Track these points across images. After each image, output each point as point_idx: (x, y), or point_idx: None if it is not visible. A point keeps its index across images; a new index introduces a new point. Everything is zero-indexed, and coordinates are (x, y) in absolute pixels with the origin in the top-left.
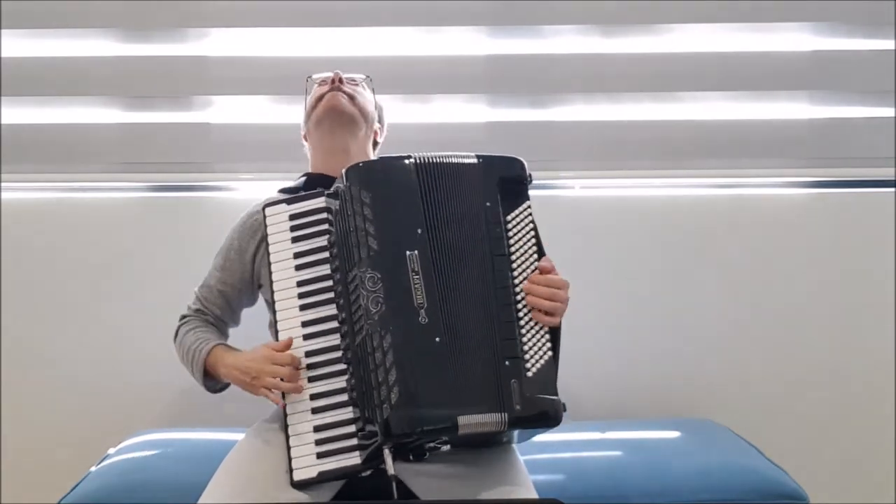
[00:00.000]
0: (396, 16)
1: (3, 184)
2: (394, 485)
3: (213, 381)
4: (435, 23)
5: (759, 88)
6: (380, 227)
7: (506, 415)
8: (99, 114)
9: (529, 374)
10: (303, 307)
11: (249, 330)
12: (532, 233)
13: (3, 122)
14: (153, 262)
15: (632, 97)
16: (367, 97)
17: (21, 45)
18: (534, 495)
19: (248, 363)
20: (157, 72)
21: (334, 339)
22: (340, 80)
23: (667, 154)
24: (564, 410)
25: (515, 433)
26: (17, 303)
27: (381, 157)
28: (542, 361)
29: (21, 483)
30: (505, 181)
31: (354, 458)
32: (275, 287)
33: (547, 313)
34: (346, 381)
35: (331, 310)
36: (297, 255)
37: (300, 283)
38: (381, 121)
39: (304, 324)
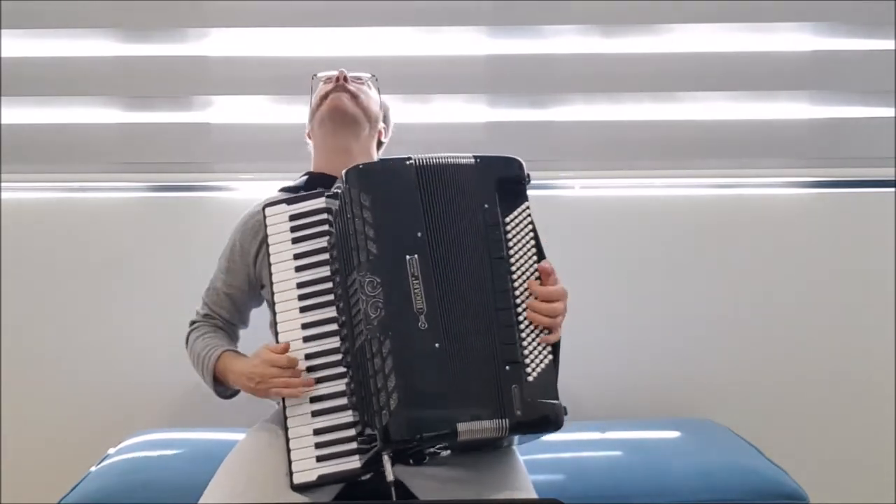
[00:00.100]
0: (396, 16)
1: (3, 184)
2: (392, 490)
3: (224, 387)
4: (435, 23)
5: (759, 88)
6: (379, 230)
7: (507, 420)
8: (99, 114)
9: (530, 378)
10: (303, 309)
11: (251, 329)
12: (531, 234)
13: (3, 122)
14: (153, 262)
15: (632, 97)
16: (371, 96)
17: (21, 45)
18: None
19: (252, 369)
20: (157, 72)
21: (334, 342)
22: (345, 79)
23: (667, 154)
24: (566, 414)
25: (516, 437)
26: (17, 303)
27: (380, 159)
28: (542, 365)
29: (21, 483)
30: (503, 182)
31: (354, 463)
32: (275, 288)
33: (546, 328)
34: (346, 384)
35: (331, 312)
36: (297, 256)
37: (300, 285)
38: (386, 120)
39: (305, 326)
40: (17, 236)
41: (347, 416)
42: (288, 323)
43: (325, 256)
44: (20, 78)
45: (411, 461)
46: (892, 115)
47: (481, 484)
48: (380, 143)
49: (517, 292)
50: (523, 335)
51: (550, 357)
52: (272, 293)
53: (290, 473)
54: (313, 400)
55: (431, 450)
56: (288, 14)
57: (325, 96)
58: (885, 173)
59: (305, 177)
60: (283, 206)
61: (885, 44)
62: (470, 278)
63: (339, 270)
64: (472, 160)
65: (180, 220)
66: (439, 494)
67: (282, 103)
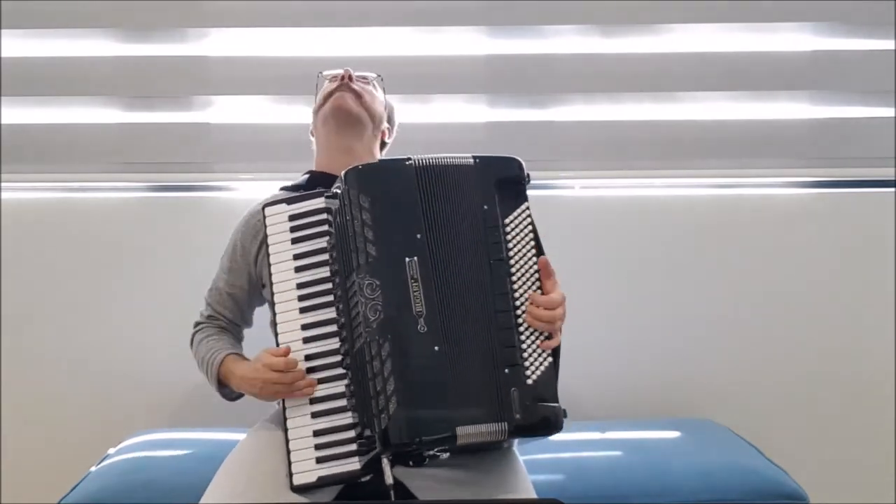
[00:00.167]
0: (396, 16)
1: (3, 184)
2: (392, 493)
3: (228, 389)
4: (435, 23)
5: (759, 88)
6: (379, 232)
7: (506, 424)
8: (99, 114)
9: (529, 381)
10: (303, 310)
11: (256, 328)
12: (531, 235)
13: (3, 122)
14: (153, 262)
15: (632, 97)
16: (376, 96)
17: (21, 45)
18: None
19: (253, 374)
20: (157, 72)
21: (334, 343)
22: (350, 78)
23: (667, 154)
24: (565, 416)
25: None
26: (17, 303)
27: (380, 161)
28: (542, 368)
29: (21, 483)
30: (502, 182)
31: (354, 464)
32: (275, 289)
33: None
34: (346, 386)
35: (331, 313)
36: (296, 257)
37: (300, 285)
38: (390, 121)
39: (304, 326)
40: (17, 236)
41: (347, 418)
42: (288, 324)
43: (325, 257)
44: (20, 78)
45: (411, 463)
46: (892, 115)
47: (481, 485)
48: (383, 144)
49: (517, 294)
50: (522, 338)
51: (550, 360)
52: (272, 293)
53: (290, 474)
54: (313, 401)
55: (431, 452)
56: (288, 14)
57: (329, 94)
58: (885, 173)
59: (307, 175)
60: (283, 206)
61: (885, 44)
62: (469, 281)
63: (338, 272)
64: (472, 161)
65: (180, 220)
66: (439, 495)
67: (282, 103)
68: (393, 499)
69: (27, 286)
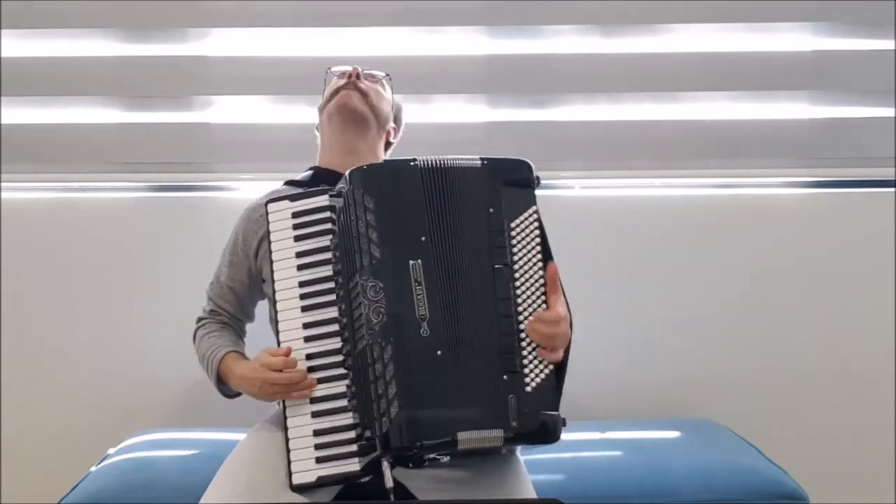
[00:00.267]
0: (397, 16)
1: (3, 184)
2: (391, 495)
3: (228, 386)
4: (435, 23)
5: (759, 88)
6: (383, 234)
7: (502, 431)
8: (99, 114)
9: (528, 388)
10: (304, 308)
11: (257, 323)
12: (537, 239)
13: (3, 122)
14: (153, 262)
15: (632, 97)
16: (383, 96)
17: (21, 45)
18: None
19: (252, 374)
20: (157, 72)
21: (335, 343)
22: (358, 76)
23: (667, 154)
24: (564, 426)
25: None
26: (17, 303)
27: (385, 161)
28: (541, 376)
29: (21, 483)
30: (510, 185)
31: (353, 465)
32: (276, 287)
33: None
34: (347, 387)
35: (333, 312)
36: (299, 255)
37: (302, 284)
38: (397, 121)
39: (306, 325)
40: (17, 236)
41: (347, 418)
42: (289, 322)
43: (328, 255)
44: (20, 78)
45: (411, 465)
46: (892, 115)
47: (481, 485)
48: (388, 144)
49: (519, 300)
50: (523, 344)
51: (551, 368)
52: (273, 291)
53: (290, 474)
54: (313, 401)
55: (431, 456)
56: (288, 14)
57: (335, 92)
58: (885, 173)
59: (311, 171)
60: (286, 203)
61: (885, 44)
62: (473, 285)
63: (341, 272)
64: (479, 162)
65: (180, 220)
66: (439, 495)
67: (282, 103)
68: (391, 497)
69: (27, 286)
